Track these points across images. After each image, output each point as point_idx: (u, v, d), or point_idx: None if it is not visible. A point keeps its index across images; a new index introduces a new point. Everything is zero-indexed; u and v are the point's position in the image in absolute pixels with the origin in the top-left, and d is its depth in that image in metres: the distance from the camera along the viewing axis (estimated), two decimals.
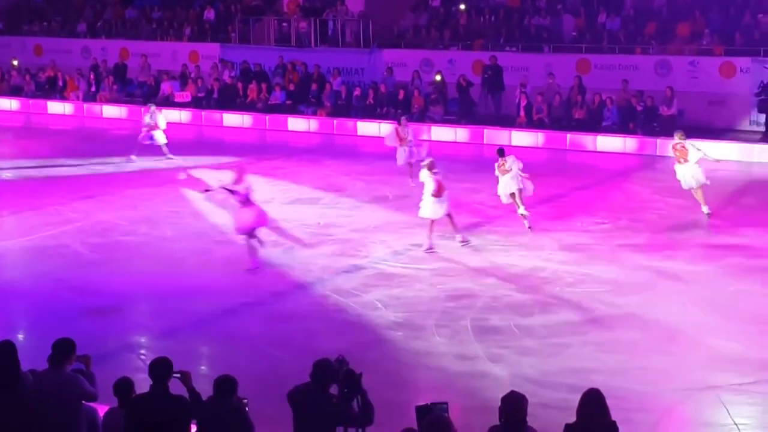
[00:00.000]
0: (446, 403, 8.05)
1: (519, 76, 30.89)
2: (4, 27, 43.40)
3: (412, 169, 22.04)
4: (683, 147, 20.05)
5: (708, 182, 19.96)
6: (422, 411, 7.93)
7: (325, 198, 22.32)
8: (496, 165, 19.44)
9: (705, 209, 19.95)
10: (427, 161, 18.53)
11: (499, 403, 7.57)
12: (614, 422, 7.79)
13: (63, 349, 8.64)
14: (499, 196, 19.48)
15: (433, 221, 17.91)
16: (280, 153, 27.90)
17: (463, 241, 18.19)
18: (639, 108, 28.63)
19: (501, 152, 19.51)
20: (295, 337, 13.93)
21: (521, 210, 19.02)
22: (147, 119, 26.49)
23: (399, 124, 23.72)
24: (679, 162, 20.13)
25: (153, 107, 26.74)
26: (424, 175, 18.08)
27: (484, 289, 15.83)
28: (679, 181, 20.21)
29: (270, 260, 17.60)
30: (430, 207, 17.98)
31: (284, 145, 29.26)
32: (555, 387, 12.05)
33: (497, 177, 19.38)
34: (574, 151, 27.88)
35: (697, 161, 19.88)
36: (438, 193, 17.93)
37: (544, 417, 10.91)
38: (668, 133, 27.49)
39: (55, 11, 43.51)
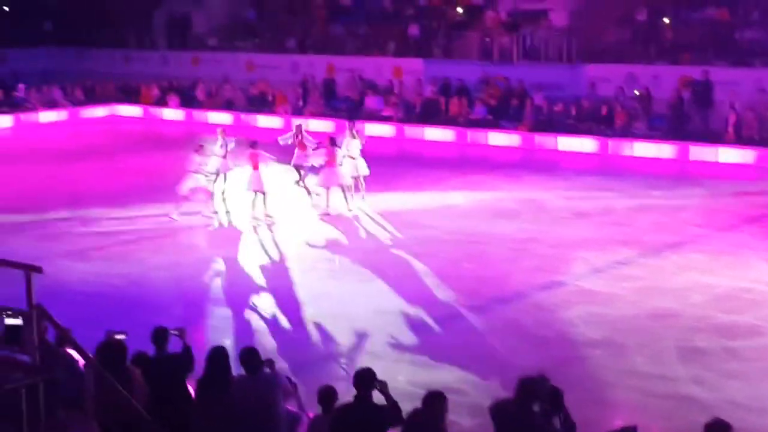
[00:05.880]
0: (635, 427, 7.92)
1: (727, 91, 29.95)
2: (218, 43, 45.27)
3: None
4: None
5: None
6: None
7: (525, 213, 22.24)
8: None
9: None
10: None
11: (702, 430, 7.35)
12: None
13: (251, 357, 9.09)
14: None
15: None
16: (481, 168, 27.95)
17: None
18: None
19: None
20: (494, 352, 13.95)
21: None
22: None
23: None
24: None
25: None
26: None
27: (688, 309, 15.44)
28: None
29: (469, 274, 17.71)
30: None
31: (485, 159, 29.30)
32: (764, 413, 11.67)
33: None
34: None
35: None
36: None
37: None
38: None
39: (265, 28, 45.11)
